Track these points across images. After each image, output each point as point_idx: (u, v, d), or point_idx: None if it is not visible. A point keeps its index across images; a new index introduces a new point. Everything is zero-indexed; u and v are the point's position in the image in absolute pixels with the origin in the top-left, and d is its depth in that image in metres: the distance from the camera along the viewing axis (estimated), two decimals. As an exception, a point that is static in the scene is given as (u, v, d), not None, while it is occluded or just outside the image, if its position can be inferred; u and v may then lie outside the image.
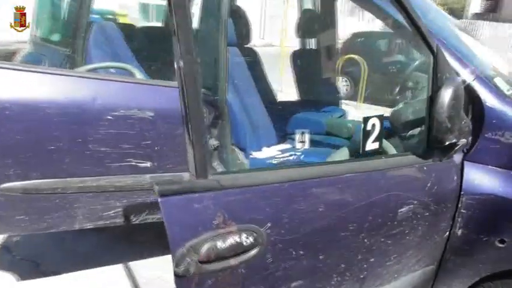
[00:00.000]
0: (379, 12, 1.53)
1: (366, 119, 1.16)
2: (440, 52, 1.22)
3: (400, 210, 1.18)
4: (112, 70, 2.06)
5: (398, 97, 3.57)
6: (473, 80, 1.36)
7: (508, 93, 1.41)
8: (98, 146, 1.46)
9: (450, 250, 1.43)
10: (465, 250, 1.41)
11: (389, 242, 1.21)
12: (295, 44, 3.26)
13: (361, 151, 1.14)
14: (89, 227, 1.63)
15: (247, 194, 0.89)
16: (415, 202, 1.22)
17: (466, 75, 1.37)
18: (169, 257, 0.81)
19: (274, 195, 0.93)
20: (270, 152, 2.26)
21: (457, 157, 1.38)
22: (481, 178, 1.36)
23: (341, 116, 2.80)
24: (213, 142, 1.79)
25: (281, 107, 2.71)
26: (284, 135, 2.57)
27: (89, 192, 1.54)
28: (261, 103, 2.45)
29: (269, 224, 0.90)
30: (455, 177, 1.36)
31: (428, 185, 1.26)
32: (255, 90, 2.43)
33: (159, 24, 4.22)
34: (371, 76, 5.96)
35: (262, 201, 0.92)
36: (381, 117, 1.20)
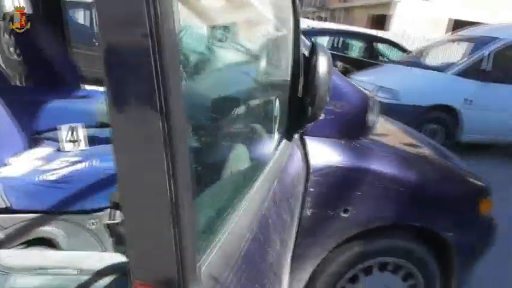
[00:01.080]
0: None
1: (267, 102, 0.82)
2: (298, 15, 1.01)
3: (295, 206, 0.94)
4: None
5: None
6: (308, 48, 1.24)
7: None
8: None
9: (300, 233, 1.33)
10: (314, 230, 1.34)
11: (288, 243, 0.96)
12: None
13: (274, 146, 0.81)
14: None
15: (238, 272, 0.53)
16: (298, 191, 1.01)
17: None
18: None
19: (252, 254, 0.55)
20: (27, 165, 1.48)
21: (296, 134, 1.26)
22: (322, 152, 1.29)
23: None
24: None
25: (17, 93, 1.86)
26: (33, 135, 1.78)
27: None
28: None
29: None
30: (302, 156, 1.23)
31: (299, 171, 1.08)
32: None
33: None
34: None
35: (251, 272, 0.56)
36: (277, 97, 0.89)
